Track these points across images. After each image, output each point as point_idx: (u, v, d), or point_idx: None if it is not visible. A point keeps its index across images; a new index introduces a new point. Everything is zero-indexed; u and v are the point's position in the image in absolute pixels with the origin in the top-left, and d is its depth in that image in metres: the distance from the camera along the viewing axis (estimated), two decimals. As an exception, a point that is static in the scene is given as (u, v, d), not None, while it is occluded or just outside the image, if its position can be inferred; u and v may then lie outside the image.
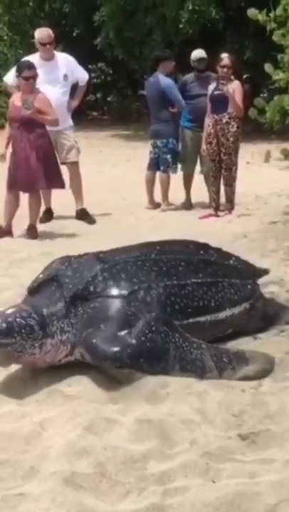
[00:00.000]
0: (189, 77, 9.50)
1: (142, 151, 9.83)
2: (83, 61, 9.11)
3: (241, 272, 4.65)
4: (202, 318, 4.25)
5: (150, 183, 9.63)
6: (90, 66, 11.51)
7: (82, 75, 8.97)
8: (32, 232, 7.89)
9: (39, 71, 8.41)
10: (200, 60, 9.37)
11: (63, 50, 9.37)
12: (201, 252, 4.61)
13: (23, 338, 3.81)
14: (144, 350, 3.79)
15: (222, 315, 4.37)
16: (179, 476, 2.96)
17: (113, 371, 3.78)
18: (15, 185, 7.88)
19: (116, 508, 2.80)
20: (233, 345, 4.32)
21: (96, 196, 9.61)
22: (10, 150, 7.99)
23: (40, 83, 8.37)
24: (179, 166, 9.52)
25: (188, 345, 3.89)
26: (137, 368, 3.76)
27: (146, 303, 4.04)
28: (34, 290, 4.26)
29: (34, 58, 8.68)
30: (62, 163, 8.72)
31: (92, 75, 9.71)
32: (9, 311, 3.92)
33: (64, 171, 8.83)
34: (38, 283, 4.26)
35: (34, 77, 7.84)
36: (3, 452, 3.22)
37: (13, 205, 7.98)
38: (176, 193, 9.54)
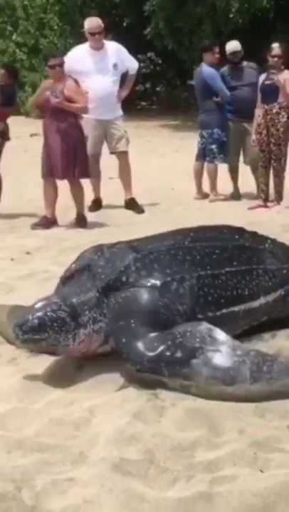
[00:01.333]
0: (225, 69, 9.40)
1: (190, 142, 9.80)
2: (133, 51, 9.10)
3: (277, 256, 4.51)
4: (236, 308, 4.15)
5: (198, 174, 9.59)
6: (139, 56, 11.52)
7: (132, 64, 8.96)
8: (81, 222, 7.93)
9: (89, 61, 8.48)
10: (234, 53, 9.28)
11: (113, 40, 9.37)
12: (236, 236, 4.49)
13: (55, 331, 3.79)
14: (168, 356, 3.66)
15: (256, 303, 4.26)
16: (227, 465, 2.96)
17: (134, 374, 3.71)
18: (50, 173, 7.88)
19: (164, 495, 2.81)
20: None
21: (145, 186, 9.62)
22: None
23: (90, 73, 8.43)
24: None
25: (230, 352, 3.67)
26: (156, 372, 3.65)
27: (179, 294, 3.95)
28: (67, 279, 4.22)
29: (84, 48, 8.72)
30: (112, 153, 8.76)
31: (142, 64, 9.73)
32: (38, 306, 3.88)
33: (113, 160, 8.88)
34: (70, 272, 4.22)
35: (60, 64, 7.83)
36: (52, 437, 3.25)
37: (52, 194, 7.98)
38: (225, 183, 9.49)
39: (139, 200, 8.83)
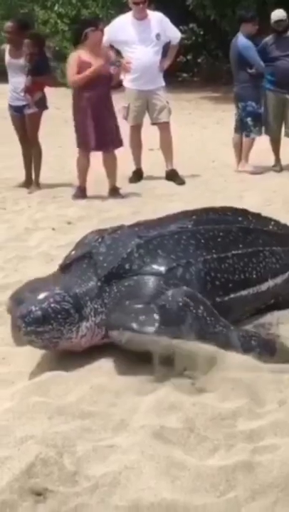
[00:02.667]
0: (269, 39, 9.19)
1: (231, 114, 9.70)
2: (174, 22, 8.98)
3: (282, 237, 4.38)
4: (244, 292, 4.01)
5: (237, 146, 9.47)
6: (181, 27, 11.39)
7: (174, 34, 8.87)
8: (114, 193, 7.92)
9: (131, 31, 8.41)
10: (279, 21, 9.05)
11: (155, 11, 9.27)
12: (240, 218, 4.33)
13: (60, 323, 3.62)
14: (157, 317, 3.50)
15: (264, 286, 4.13)
16: (269, 435, 2.95)
17: (119, 340, 3.59)
18: (83, 144, 7.85)
19: (204, 463, 2.81)
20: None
21: (185, 157, 9.56)
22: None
23: (133, 43, 8.37)
24: (263, 128, 9.32)
25: (214, 320, 3.60)
26: (139, 331, 3.50)
27: (185, 281, 3.79)
28: (66, 268, 4.05)
29: (127, 18, 8.65)
30: (154, 124, 8.71)
31: (183, 36, 9.61)
32: (41, 296, 3.70)
33: (154, 131, 8.84)
34: (70, 260, 4.06)
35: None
36: (94, 405, 3.27)
37: (85, 164, 7.97)
38: (267, 155, 9.39)
39: (180, 172, 8.78)
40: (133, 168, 8.83)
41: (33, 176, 8.50)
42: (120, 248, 3.86)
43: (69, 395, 3.39)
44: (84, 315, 3.71)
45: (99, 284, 3.78)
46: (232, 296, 3.95)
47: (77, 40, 7.86)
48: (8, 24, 8.58)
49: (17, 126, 8.52)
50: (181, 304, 3.58)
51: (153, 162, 8.99)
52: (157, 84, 8.60)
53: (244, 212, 4.46)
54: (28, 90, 8.17)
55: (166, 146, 8.74)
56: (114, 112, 7.89)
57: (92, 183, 8.03)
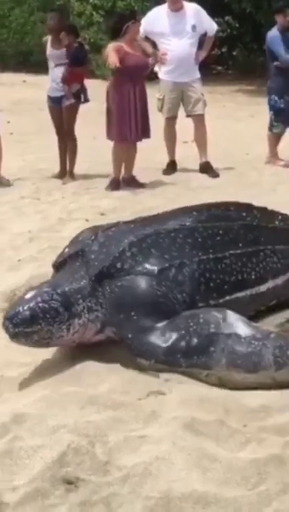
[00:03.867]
0: None
1: (265, 107, 9.59)
2: (210, 14, 8.90)
3: (288, 234, 4.23)
4: (241, 294, 3.86)
5: (269, 139, 9.39)
6: (216, 19, 11.29)
7: (210, 26, 8.81)
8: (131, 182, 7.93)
9: (167, 22, 8.37)
10: None
11: (191, 2, 9.21)
12: (243, 215, 4.18)
13: (48, 323, 3.53)
14: (183, 346, 3.40)
15: (264, 287, 3.97)
16: (300, 430, 2.94)
17: (147, 368, 3.45)
18: (120, 135, 7.82)
19: (235, 455, 2.81)
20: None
21: (219, 150, 9.51)
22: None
23: (168, 34, 8.33)
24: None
25: (248, 336, 3.40)
26: (172, 364, 3.40)
27: (177, 282, 3.67)
28: (60, 266, 3.98)
29: (162, 9, 8.59)
30: (188, 116, 8.67)
31: (218, 28, 9.54)
32: (29, 296, 3.62)
33: (188, 124, 8.80)
34: (63, 258, 3.98)
35: None
36: (126, 396, 3.28)
37: (121, 156, 7.96)
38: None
39: (214, 164, 8.72)
40: (167, 160, 8.81)
41: (68, 167, 8.52)
42: (113, 246, 3.77)
43: (101, 385, 3.40)
44: (75, 312, 3.62)
45: (91, 283, 3.69)
46: (227, 298, 3.80)
47: (115, 34, 7.83)
48: (51, 15, 8.61)
49: (54, 118, 8.54)
50: (213, 325, 3.44)
51: (187, 154, 8.96)
52: (193, 76, 8.55)
53: (249, 208, 4.32)
54: (66, 80, 8.18)
55: (201, 138, 8.70)
56: (146, 105, 7.88)
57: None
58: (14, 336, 3.54)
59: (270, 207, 4.51)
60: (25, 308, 3.52)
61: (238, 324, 3.46)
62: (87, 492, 2.62)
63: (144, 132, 7.84)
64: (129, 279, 3.66)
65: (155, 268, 3.69)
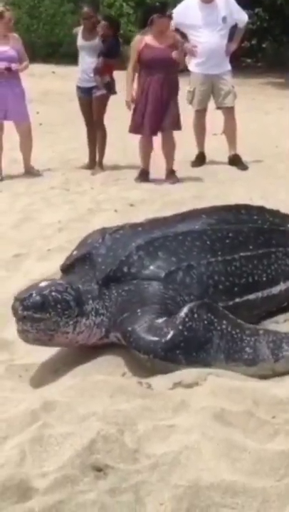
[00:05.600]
0: None
1: (295, 100, 9.63)
2: (240, 6, 8.86)
3: None
4: (251, 296, 3.85)
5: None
6: (245, 11, 11.19)
7: (241, 17, 8.77)
8: (171, 176, 7.90)
9: (198, 14, 8.36)
10: None
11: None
12: (254, 217, 4.16)
13: (58, 313, 3.49)
14: (182, 341, 3.35)
15: (275, 290, 3.95)
16: None
17: (145, 363, 3.41)
18: (137, 128, 7.82)
19: (264, 446, 2.80)
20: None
21: (248, 143, 9.48)
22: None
23: (199, 26, 8.31)
24: None
25: (239, 332, 3.43)
26: (171, 360, 3.35)
27: (185, 285, 3.66)
28: (68, 268, 3.95)
29: (193, 1, 8.57)
30: (218, 108, 8.65)
31: (248, 20, 9.45)
32: (43, 284, 3.61)
33: (218, 116, 8.78)
34: (71, 261, 3.95)
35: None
36: (155, 385, 3.28)
37: (147, 148, 7.95)
38: None
39: (243, 157, 8.72)
40: (196, 152, 8.80)
41: (97, 158, 8.54)
42: (120, 250, 3.74)
43: (130, 375, 3.43)
44: (84, 311, 3.60)
45: (97, 286, 3.67)
46: (237, 300, 3.79)
47: (143, 24, 7.85)
48: (86, 9, 8.64)
49: (84, 109, 8.58)
50: (206, 322, 3.42)
51: (216, 147, 8.95)
52: (223, 68, 8.53)
53: (260, 210, 4.30)
54: (98, 72, 8.22)
55: (230, 130, 8.69)
56: (177, 97, 7.84)
57: (156, 166, 8.03)
58: (21, 319, 3.50)
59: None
60: (39, 293, 3.51)
61: (227, 320, 3.46)
62: (116, 479, 2.63)
63: (170, 125, 7.80)
64: (136, 283, 3.65)
65: (162, 271, 3.67)
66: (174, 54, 7.57)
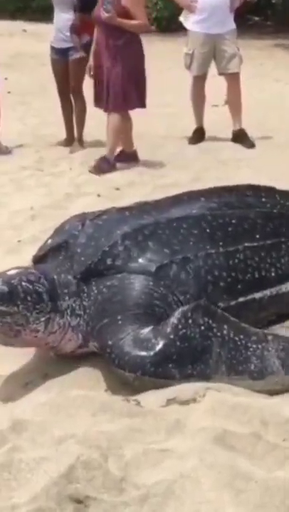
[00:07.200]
0: None
1: (311, 65, 9.66)
2: None
3: None
4: (258, 295, 3.82)
5: None
6: None
7: None
8: (100, 165, 7.62)
9: None
10: None
11: None
12: (262, 200, 4.13)
13: (27, 307, 3.48)
14: (174, 352, 3.33)
15: (286, 287, 3.92)
16: None
17: (132, 382, 3.38)
18: (98, 101, 7.69)
19: (273, 475, 2.80)
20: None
21: (255, 116, 9.51)
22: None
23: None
24: None
25: (244, 339, 3.42)
26: (163, 376, 3.32)
27: (179, 281, 3.62)
28: (40, 260, 3.95)
29: None
30: (221, 74, 8.64)
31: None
32: (12, 272, 3.61)
33: (220, 84, 8.78)
34: (44, 251, 3.95)
35: None
36: (144, 401, 3.28)
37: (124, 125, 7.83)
38: None
39: (249, 132, 8.72)
40: (194, 126, 8.80)
41: (76, 133, 8.52)
42: (103, 238, 3.72)
43: (115, 389, 3.43)
44: (58, 308, 3.59)
45: (75, 281, 3.66)
46: (241, 300, 3.77)
47: None
48: None
49: (58, 73, 8.49)
50: (203, 328, 3.40)
51: (217, 120, 8.95)
52: (227, 27, 8.51)
53: (270, 192, 4.28)
54: (75, 30, 8.16)
55: (235, 101, 8.67)
56: (137, 67, 7.58)
57: (147, 146, 8.02)
58: None
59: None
60: (6, 282, 3.50)
61: (230, 326, 3.44)
62: (99, 513, 2.64)
63: (130, 100, 7.61)
64: (121, 278, 3.62)
65: (153, 265, 3.64)
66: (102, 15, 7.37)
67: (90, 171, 7.43)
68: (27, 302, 3.49)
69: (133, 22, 7.32)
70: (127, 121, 7.77)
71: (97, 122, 8.77)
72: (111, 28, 7.31)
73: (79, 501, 2.67)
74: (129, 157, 7.90)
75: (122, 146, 7.94)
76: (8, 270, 3.66)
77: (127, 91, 7.45)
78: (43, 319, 3.54)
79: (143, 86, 7.57)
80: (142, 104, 7.61)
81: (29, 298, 3.50)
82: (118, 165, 7.66)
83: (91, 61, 7.70)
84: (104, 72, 7.48)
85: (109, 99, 7.49)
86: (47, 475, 2.78)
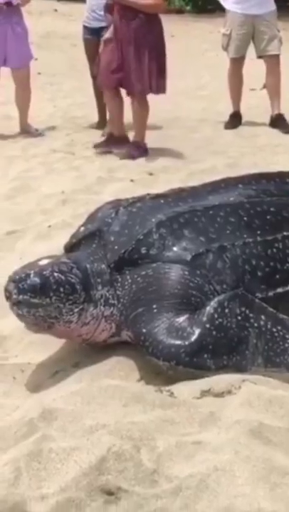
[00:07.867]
0: None
1: None
2: None
3: None
4: None
5: None
6: None
7: None
8: (130, 152, 7.62)
9: None
10: None
11: None
12: None
13: (60, 299, 3.52)
14: (210, 343, 3.36)
15: None
16: None
17: (166, 372, 3.41)
18: (111, 83, 7.65)
19: (311, 469, 2.81)
20: None
21: (295, 100, 9.46)
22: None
23: None
24: None
25: (282, 330, 3.44)
26: (198, 366, 3.35)
27: (216, 271, 3.59)
28: (73, 248, 3.95)
29: None
30: (260, 57, 8.61)
31: None
32: (43, 263, 3.63)
33: (259, 66, 8.74)
34: (77, 239, 3.95)
35: None
36: (178, 392, 3.28)
37: (117, 108, 7.84)
38: None
39: (288, 117, 8.68)
40: (230, 110, 8.77)
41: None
42: (137, 226, 3.72)
43: (148, 380, 3.44)
44: (92, 298, 3.62)
45: (108, 270, 3.67)
46: (279, 290, 3.72)
47: None
48: None
49: (90, 54, 8.48)
50: (240, 318, 3.44)
51: (255, 104, 8.92)
52: (267, 7, 8.49)
53: None
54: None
55: (274, 85, 8.65)
56: (156, 48, 7.53)
57: (182, 129, 7.98)
58: (16, 304, 3.52)
59: None
60: (38, 274, 3.52)
61: (267, 316, 3.47)
62: (131, 505, 2.64)
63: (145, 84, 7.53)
64: (156, 267, 3.62)
65: (188, 254, 3.63)
66: None
67: (120, 159, 7.41)
68: (60, 293, 3.52)
69: (143, 1, 7.26)
70: (120, 103, 7.78)
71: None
72: (125, 8, 7.29)
73: (110, 493, 2.68)
74: (118, 141, 7.84)
75: (111, 129, 7.94)
76: (40, 260, 3.68)
77: (139, 76, 7.37)
78: (76, 310, 3.57)
79: (161, 69, 7.46)
80: (160, 90, 7.53)
81: (62, 289, 3.53)
82: (155, 148, 7.66)
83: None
84: (122, 55, 7.44)
85: (129, 84, 7.46)
86: (77, 465, 2.79)
